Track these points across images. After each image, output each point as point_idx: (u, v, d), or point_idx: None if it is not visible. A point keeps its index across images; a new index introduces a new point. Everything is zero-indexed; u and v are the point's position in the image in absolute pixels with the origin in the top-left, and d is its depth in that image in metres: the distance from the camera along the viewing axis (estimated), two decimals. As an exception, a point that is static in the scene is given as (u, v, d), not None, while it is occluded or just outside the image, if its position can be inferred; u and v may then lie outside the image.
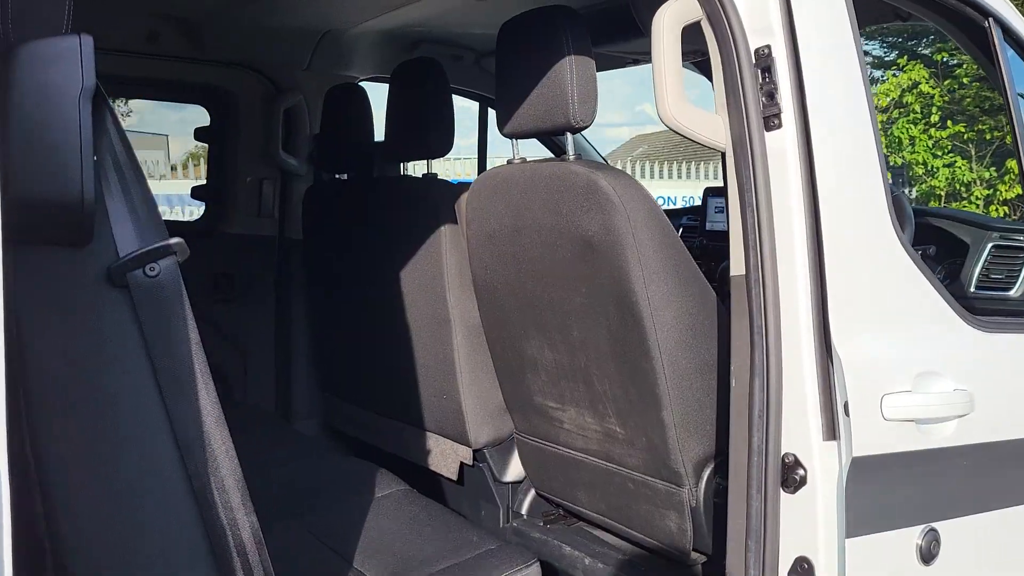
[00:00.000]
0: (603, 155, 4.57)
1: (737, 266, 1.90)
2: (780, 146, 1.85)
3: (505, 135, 2.40)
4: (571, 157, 2.24)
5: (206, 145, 3.91)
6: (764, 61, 1.87)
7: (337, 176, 3.52)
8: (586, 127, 2.19)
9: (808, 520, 1.80)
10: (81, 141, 1.19)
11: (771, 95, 1.86)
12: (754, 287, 1.85)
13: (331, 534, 1.98)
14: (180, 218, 10.52)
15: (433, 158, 2.93)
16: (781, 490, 1.87)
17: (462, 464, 2.96)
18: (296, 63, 3.64)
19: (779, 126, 1.86)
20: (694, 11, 1.92)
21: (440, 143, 2.82)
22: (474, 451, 2.89)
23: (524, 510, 2.91)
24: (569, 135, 2.23)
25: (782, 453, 1.87)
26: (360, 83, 3.84)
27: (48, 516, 1.23)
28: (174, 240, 1.29)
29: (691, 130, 1.93)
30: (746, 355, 1.88)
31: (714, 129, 1.94)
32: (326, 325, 3.62)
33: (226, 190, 3.80)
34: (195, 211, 5.93)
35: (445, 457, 3.06)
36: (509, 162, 2.44)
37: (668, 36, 1.92)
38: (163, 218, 1.43)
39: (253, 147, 3.76)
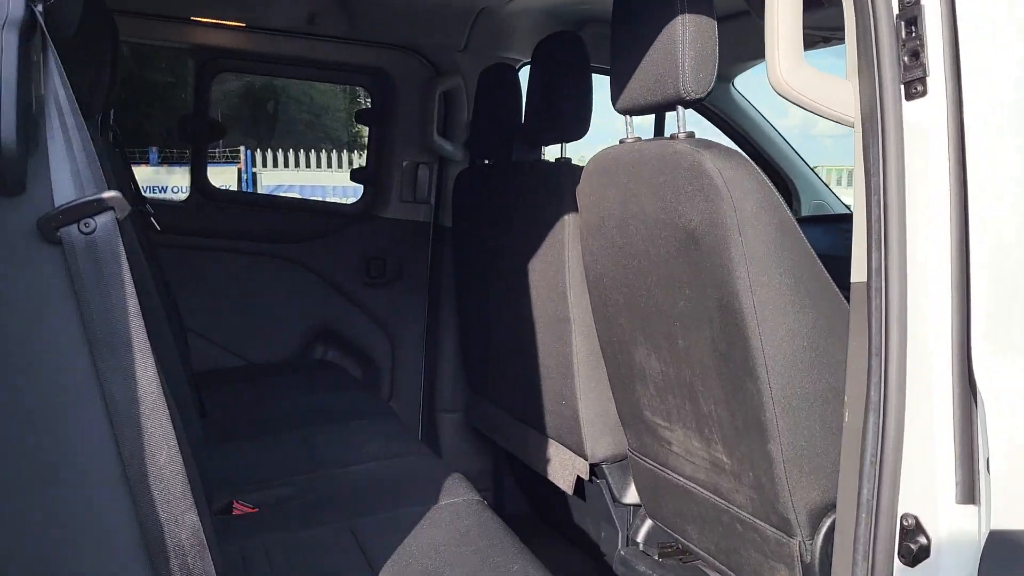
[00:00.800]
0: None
1: (858, 271, 1.51)
2: (922, 119, 1.44)
3: (618, 111, 2.11)
4: (681, 135, 1.91)
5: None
6: (909, 11, 1.46)
7: (487, 161, 3.36)
8: (699, 99, 1.86)
9: (926, 604, 1.39)
10: (1, 80, 1.07)
11: (915, 54, 1.45)
12: (875, 297, 1.46)
13: (370, 537, 1.80)
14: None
15: (567, 141, 2.69)
16: (896, 560, 1.46)
17: (580, 478, 2.70)
18: (453, 44, 3.51)
19: (922, 94, 1.45)
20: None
21: (575, 126, 2.57)
22: (591, 465, 2.62)
23: (640, 538, 2.60)
24: (680, 108, 1.90)
25: (900, 514, 1.46)
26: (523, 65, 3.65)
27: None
28: (109, 193, 1.14)
29: (810, 100, 1.56)
30: (862, 383, 1.49)
31: (841, 98, 1.55)
32: (468, 317, 3.48)
33: (382, 174, 3.76)
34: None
35: (563, 468, 2.81)
36: (621, 141, 2.14)
37: (788, -17, 1.56)
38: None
39: (410, 131, 3.68)
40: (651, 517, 2.49)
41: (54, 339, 1.15)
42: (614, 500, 2.64)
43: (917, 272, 1.43)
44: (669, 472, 2.27)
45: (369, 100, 3.85)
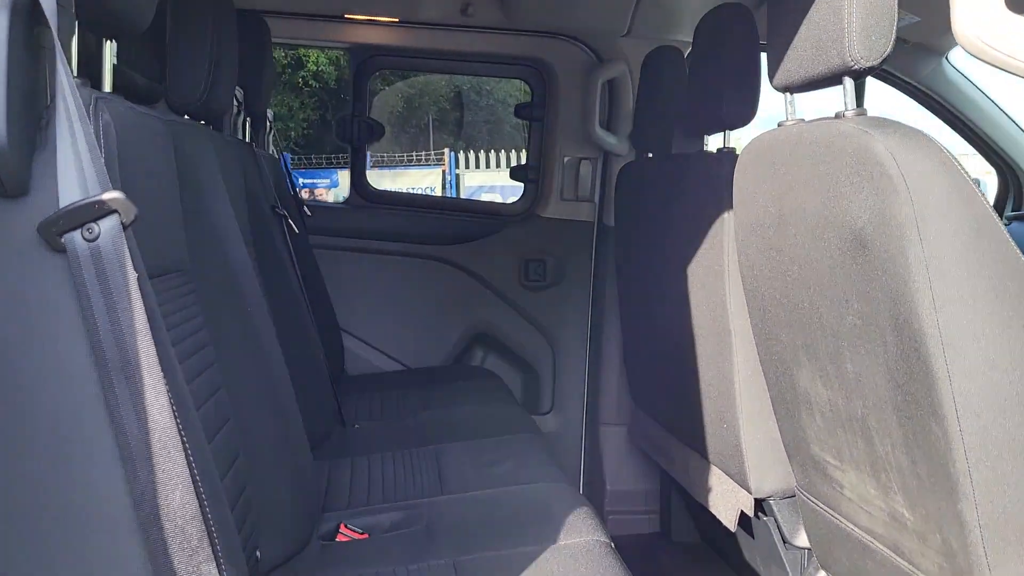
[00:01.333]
0: None
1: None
2: None
3: (775, 88, 1.78)
4: (848, 113, 1.56)
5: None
6: None
7: (650, 155, 3.07)
8: (871, 69, 1.50)
9: None
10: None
11: None
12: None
13: None
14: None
15: (731, 129, 2.36)
16: None
17: (743, 513, 2.37)
18: (616, 29, 3.24)
19: None
20: None
21: (738, 110, 2.25)
22: (756, 500, 2.29)
23: (813, 587, 2.23)
24: (846, 81, 1.55)
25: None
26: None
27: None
28: (110, 194, 0.99)
29: (1006, 55, 1.18)
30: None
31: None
32: (630, 324, 3.21)
33: (543, 171, 3.55)
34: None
35: (725, 500, 2.48)
36: (780, 124, 1.81)
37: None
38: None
39: (571, 125, 3.45)
40: (824, 568, 2.13)
41: (59, 362, 1.02)
42: (784, 541, 2.29)
43: None
44: (842, 519, 1.90)
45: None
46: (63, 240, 1.00)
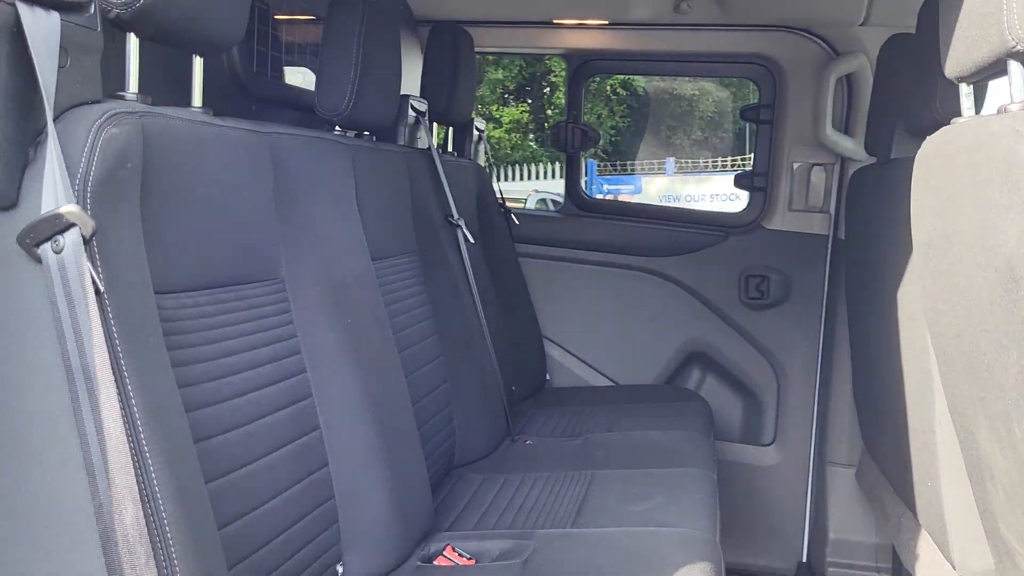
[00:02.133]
0: None
1: None
2: None
3: (948, 77, 1.43)
4: (1012, 107, 1.20)
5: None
6: None
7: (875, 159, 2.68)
8: None
9: None
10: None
11: None
12: None
13: None
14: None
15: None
16: None
17: None
18: (851, 18, 2.86)
19: None
20: None
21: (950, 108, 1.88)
22: None
23: None
24: (1012, 66, 1.20)
25: None
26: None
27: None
28: (66, 208, 1.00)
29: None
30: None
31: None
32: (859, 354, 2.82)
33: (770, 178, 3.23)
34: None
35: (929, 572, 2.10)
36: (952, 122, 1.46)
37: None
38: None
39: (801, 126, 3.11)
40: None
41: (37, 369, 1.05)
42: None
43: None
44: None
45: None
46: (39, 251, 1.03)
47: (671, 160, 21.33)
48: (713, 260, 3.29)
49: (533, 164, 20.42)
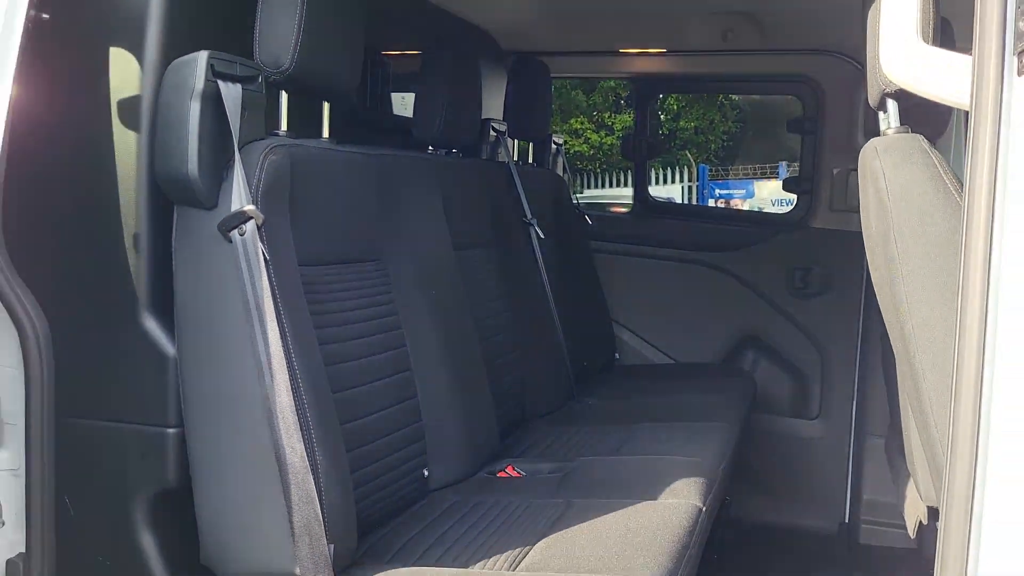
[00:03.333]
0: None
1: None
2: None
3: (872, 106, 1.91)
4: (889, 131, 1.68)
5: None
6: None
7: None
8: (896, 93, 1.62)
9: None
10: (188, 133, 1.64)
11: (1029, 17, 1.16)
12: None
13: (577, 513, 1.97)
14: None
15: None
16: None
17: (921, 523, 2.42)
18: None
19: (1030, 65, 1.15)
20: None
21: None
22: (929, 508, 2.34)
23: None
24: (890, 101, 1.68)
25: None
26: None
27: (182, 390, 1.74)
28: (248, 207, 1.63)
29: (912, 84, 1.33)
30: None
31: (955, 81, 1.29)
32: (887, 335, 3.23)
33: (813, 183, 3.67)
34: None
35: (909, 508, 2.53)
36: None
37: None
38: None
39: (839, 136, 3.53)
40: None
41: (229, 308, 1.68)
42: None
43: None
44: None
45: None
46: (231, 236, 1.66)
47: (783, 164, 21.28)
48: (764, 255, 3.74)
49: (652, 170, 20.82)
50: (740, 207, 17.09)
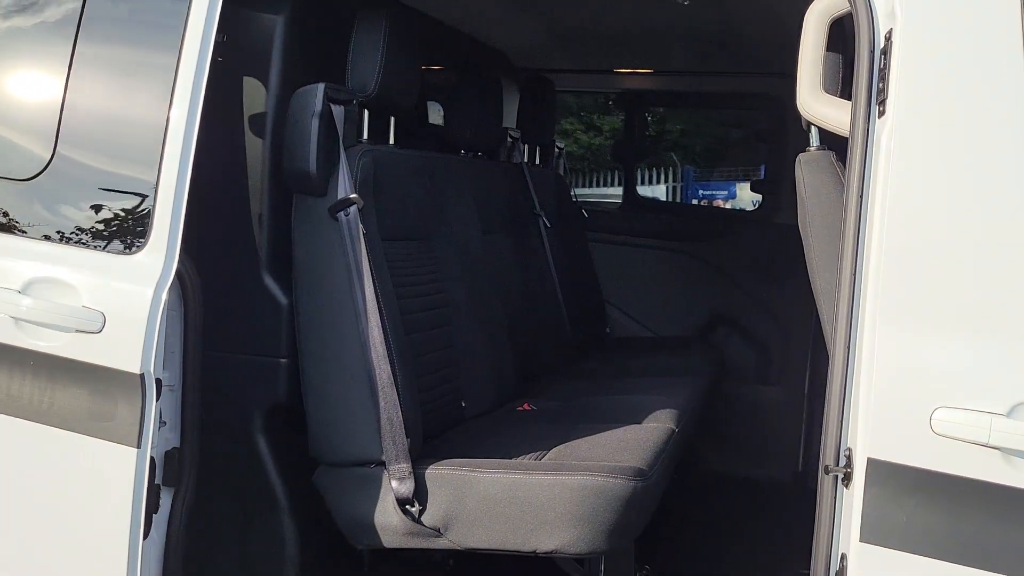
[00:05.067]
0: None
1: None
2: (881, 134, 1.81)
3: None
4: (811, 148, 2.35)
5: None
6: (886, 44, 1.83)
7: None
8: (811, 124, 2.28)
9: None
10: (311, 140, 2.28)
11: (884, 78, 1.82)
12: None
13: (572, 428, 2.63)
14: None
15: None
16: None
17: None
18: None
19: (883, 113, 1.81)
20: (842, 5, 1.96)
21: None
22: None
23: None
24: (812, 127, 2.34)
25: (844, 447, 1.84)
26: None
27: (298, 330, 2.38)
28: (353, 195, 2.28)
29: (819, 118, 1.98)
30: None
31: (843, 118, 1.95)
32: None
33: (775, 184, 4.34)
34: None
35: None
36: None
37: (814, 28, 2.01)
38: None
39: (798, 146, 4.18)
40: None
41: (335, 269, 2.32)
42: None
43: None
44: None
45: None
46: (337, 216, 2.31)
47: (764, 167, 21.99)
48: (734, 245, 4.41)
49: (640, 171, 21.37)
50: (723, 207, 17.87)
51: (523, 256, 3.62)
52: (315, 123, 2.30)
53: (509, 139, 3.79)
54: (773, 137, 4.33)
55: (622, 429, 2.65)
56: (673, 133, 21.85)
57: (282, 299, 2.45)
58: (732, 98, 4.41)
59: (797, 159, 2.36)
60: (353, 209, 2.30)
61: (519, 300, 3.45)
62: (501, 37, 3.95)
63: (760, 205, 4.46)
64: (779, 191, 4.34)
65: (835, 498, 1.85)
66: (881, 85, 1.82)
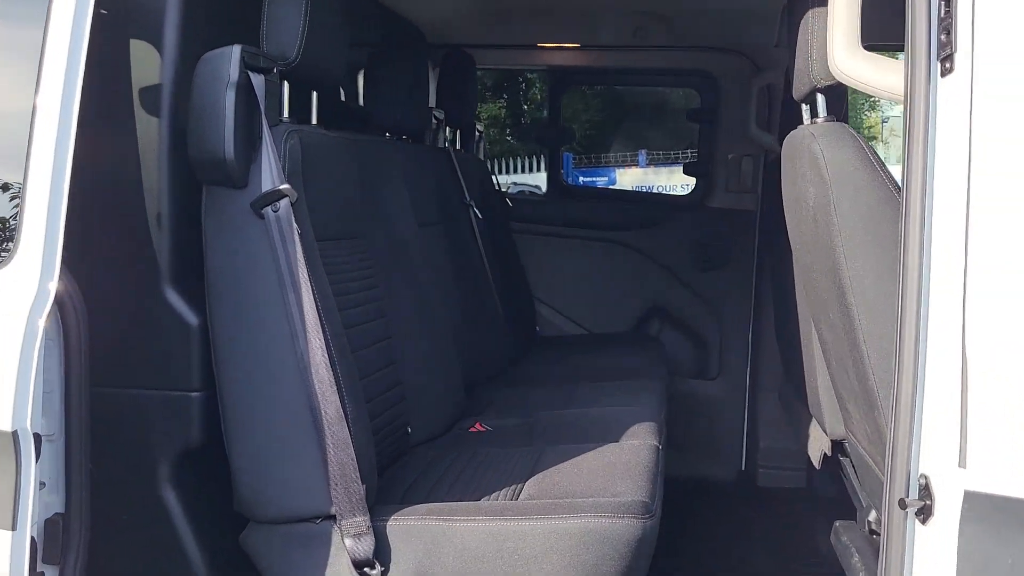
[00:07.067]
0: None
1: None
2: (949, 95, 1.50)
3: (795, 98, 2.27)
4: (818, 120, 2.04)
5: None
6: (947, -8, 1.52)
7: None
8: (831, 88, 1.98)
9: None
10: (225, 118, 1.80)
11: (948, 32, 1.51)
12: (899, 267, 1.56)
13: (544, 458, 2.26)
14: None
15: None
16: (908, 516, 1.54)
17: (826, 455, 2.82)
18: (768, 41, 3.70)
19: (951, 71, 1.50)
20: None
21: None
22: (833, 441, 2.74)
23: (871, 516, 2.65)
24: (819, 95, 2.03)
25: (917, 472, 1.53)
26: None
27: (214, 356, 1.91)
28: (284, 186, 1.82)
29: (861, 80, 1.67)
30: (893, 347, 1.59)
31: (892, 78, 1.64)
32: (779, 301, 3.66)
33: (710, 167, 4.08)
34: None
35: (814, 444, 2.94)
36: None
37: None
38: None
39: (733, 126, 3.95)
40: (869, 494, 2.54)
41: (261, 279, 1.86)
42: (859, 478, 2.71)
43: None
44: (862, 448, 2.34)
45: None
46: (264, 213, 1.84)
47: (643, 153, 22.20)
48: (668, 233, 4.13)
49: (511, 158, 21.10)
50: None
51: (457, 252, 3.21)
52: (230, 96, 1.82)
53: (434, 121, 3.37)
54: (706, 116, 4.06)
55: (600, 450, 2.30)
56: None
57: (191, 319, 1.97)
58: (664, 75, 4.13)
59: (799, 134, 2.05)
60: (284, 204, 1.84)
61: (459, 303, 3.05)
62: (416, 9, 3.52)
63: (693, 189, 4.19)
64: (713, 173, 4.08)
65: (904, 537, 1.55)
66: (944, 38, 1.51)
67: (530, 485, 2.10)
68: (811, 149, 1.92)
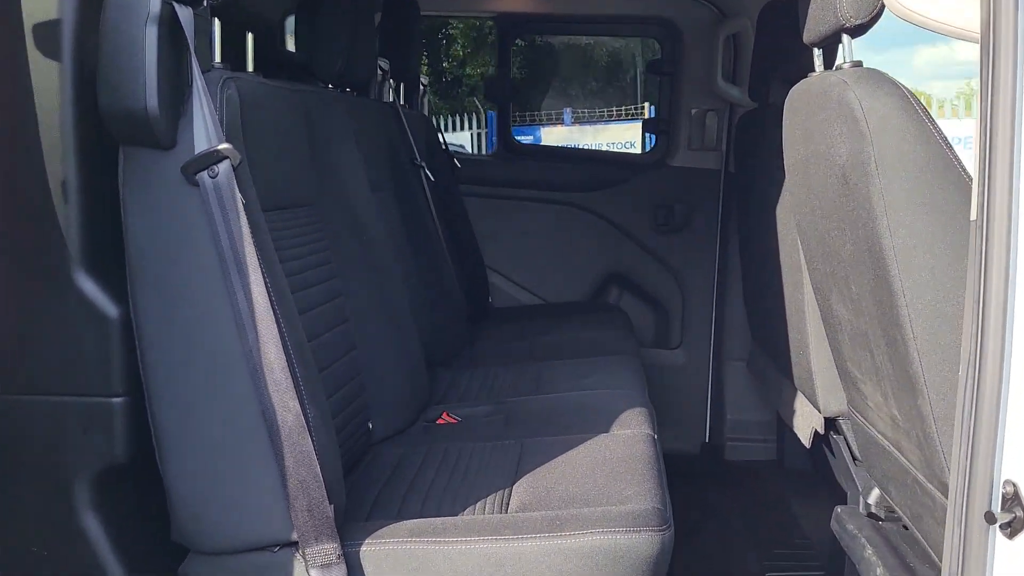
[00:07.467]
0: None
1: (973, 208, 1.35)
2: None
3: (805, 43, 2.00)
4: (845, 66, 1.78)
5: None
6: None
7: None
8: (862, 27, 1.72)
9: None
10: (146, 62, 1.44)
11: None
12: (976, 237, 1.30)
13: (529, 453, 1.99)
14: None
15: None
16: (994, 532, 1.31)
17: (817, 432, 2.62)
18: (738, -16, 3.44)
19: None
20: None
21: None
22: (826, 419, 2.53)
23: (872, 499, 2.46)
24: (844, 37, 1.77)
25: (1001, 479, 1.30)
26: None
27: (141, 355, 1.56)
28: (223, 146, 1.47)
29: (932, 20, 1.41)
30: (968, 334, 1.34)
31: (967, 13, 1.38)
32: (748, 266, 3.44)
33: (672, 123, 3.82)
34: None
35: (802, 420, 2.74)
36: (808, 75, 2.03)
37: None
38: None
39: (697, 78, 3.69)
40: (871, 476, 2.35)
41: (197, 260, 1.52)
42: (854, 459, 2.52)
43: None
44: (871, 428, 2.14)
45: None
46: (197, 178, 1.49)
47: (568, 111, 21.92)
48: (627, 194, 3.86)
49: (435, 117, 20.64)
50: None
51: (410, 218, 2.88)
52: (151, 32, 1.45)
53: (380, 72, 3.00)
54: (667, 68, 3.78)
55: (590, 443, 2.03)
56: (473, 77, 21.36)
57: (110, 309, 1.61)
58: (620, 23, 3.83)
59: (825, 81, 1.78)
60: (224, 167, 1.48)
61: (415, 275, 2.73)
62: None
63: (654, 147, 3.93)
64: (676, 131, 3.82)
65: (988, 551, 1.32)
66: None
67: (519, 490, 1.82)
68: (844, 98, 1.66)
